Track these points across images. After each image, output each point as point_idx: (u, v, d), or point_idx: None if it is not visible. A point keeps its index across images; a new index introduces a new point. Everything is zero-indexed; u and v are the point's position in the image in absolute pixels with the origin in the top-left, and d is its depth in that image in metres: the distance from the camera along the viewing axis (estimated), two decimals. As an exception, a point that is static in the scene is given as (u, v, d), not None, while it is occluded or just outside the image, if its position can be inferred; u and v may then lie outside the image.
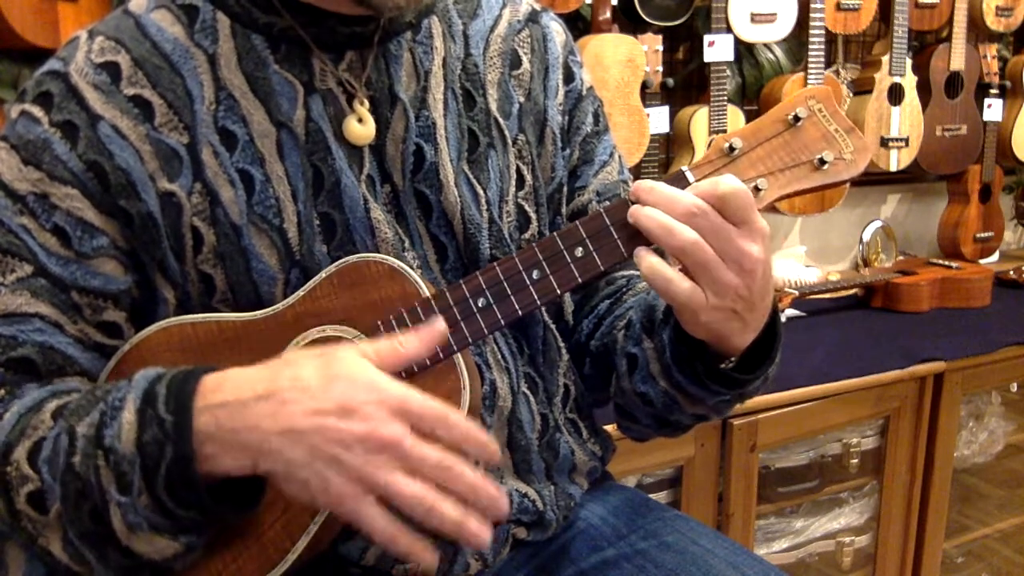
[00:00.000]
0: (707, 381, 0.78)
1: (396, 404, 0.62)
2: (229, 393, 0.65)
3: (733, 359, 0.78)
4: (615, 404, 0.92)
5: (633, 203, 0.71)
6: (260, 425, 0.63)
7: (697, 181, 0.72)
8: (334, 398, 0.62)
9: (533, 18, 0.92)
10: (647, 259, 0.70)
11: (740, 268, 0.68)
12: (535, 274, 0.73)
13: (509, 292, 0.73)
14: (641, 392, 0.84)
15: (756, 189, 0.72)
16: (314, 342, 0.76)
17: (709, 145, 2.15)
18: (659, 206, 0.69)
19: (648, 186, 0.70)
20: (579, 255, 0.72)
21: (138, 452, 0.64)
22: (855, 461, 1.85)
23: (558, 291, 0.73)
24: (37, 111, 0.76)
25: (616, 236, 0.72)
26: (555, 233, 0.73)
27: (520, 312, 0.73)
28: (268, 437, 0.63)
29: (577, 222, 0.73)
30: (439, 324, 0.71)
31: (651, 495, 1.29)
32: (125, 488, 0.65)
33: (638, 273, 0.92)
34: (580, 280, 0.73)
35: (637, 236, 0.72)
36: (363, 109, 0.81)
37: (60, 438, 0.67)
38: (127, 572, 0.69)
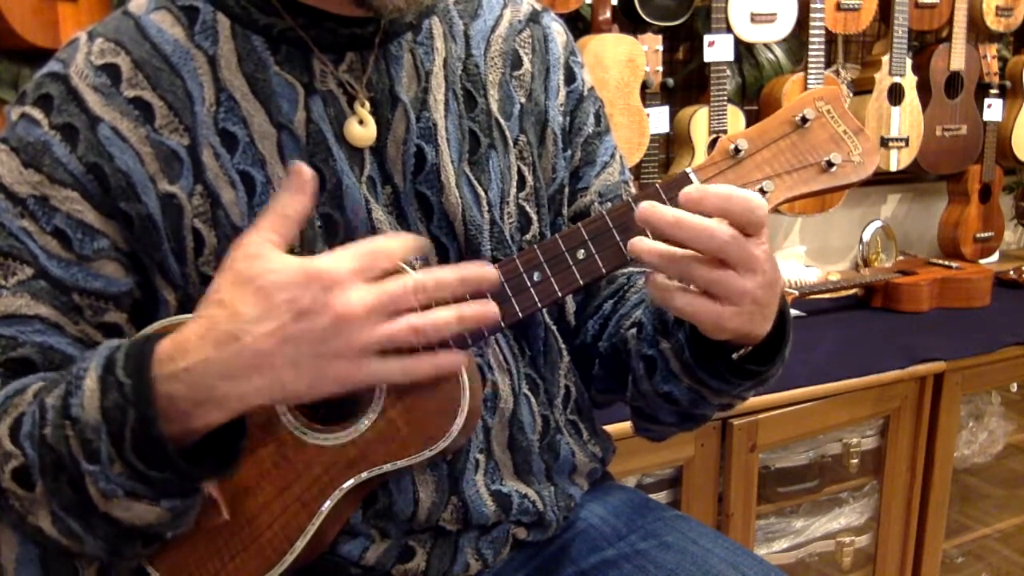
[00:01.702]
0: (730, 376, 0.78)
1: (334, 278, 0.62)
2: (185, 356, 0.64)
3: (749, 347, 0.77)
4: (633, 407, 0.92)
5: (637, 207, 0.70)
6: (231, 370, 0.63)
7: (703, 183, 0.71)
8: (280, 310, 0.62)
9: (534, 18, 0.92)
10: (664, 295, 0.70)
11: (752, 272, 0.67)
12: (536, 276, 0.72)
13: (510, 294, 0.73)
14: (665, 392, 0.83)
15: (762, 191, 0.70)
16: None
17: (709, 145, 2.16)
18: (693, 243, 0.66)
19: (672, 220, 0.66)
20: (581, 257, 0.72)
21: (103, 418, 0.64)
22: (855, 461, 1.85)
23: (559, 293, 0.72)
24: (37, 113, 0.76)
25: (618, 238, 0.71)
26: (557, 235, 0.72)
27: (521, 314, 0.73)
28: (248, 376, 0.63)
29: (579, 224, 0.72)
30: (302, 167, 0.67)
31: (651, 495, 1.29)
32: (93, 455, 0.64)
33: (639, 270, 0.92)
34: (582, 283, 0.72)
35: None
36: (364, 111, 0.81)
37: (34, 413, 0.67)
38: (117, 542, 0.69)
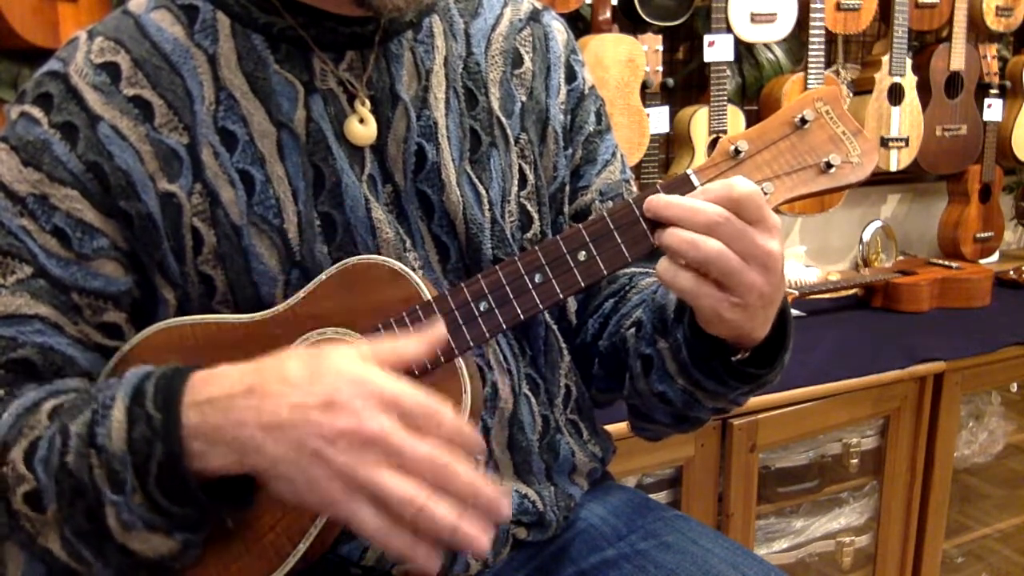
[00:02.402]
0: (726, 378, 0.78)
1: (382, 397, 0.61)
2: (216, 389, 0.64)
3: (748, 351, 0.77)
4: (629, 406, 0.92)
5: (639, 208, 0.70)
6: (244, 420, 0.62)
7: (703, 184, 0.71)
8: (318, 392, 0.61)
9: (534, 17, 0.92)
10: (669, 276, 0.70)
11: (763, 267, 0.67)
12: (537, 278, 0.72)
13: (511, 296, 0.72)
14: (659, 392, 0.83)
15: (762, 193, 0.71)
16: (314, 344, 0.75)
17: (709, 145, 2.15)
18: (681, 222, 0.67)
19: (664, 201, 0.68)
20: (582, 259, 0.72)
21: (128, 450, 0.64)
22: (855, 461, 1.85)
23: (560, 295, 0.72)
24: (37, 112, 0.76)
25: (619, 239, 0.71)
26: (558, 236, 0.72)
27: (522, 316, 0.72)
28: (252, 432, 0.62)
29: (580, 225, 0.72)
30: (439, 327, 0.70)
31: (651, 495, 1.29)
32: (118, 487, 0.64)
33: (640, 270, 0.92)
34: (583, 284, 0.72)
35: (641, 239, 0.71)
36: (364, 110, 0.80)
37: (55, 438, 0.67)
38: (126, 570, 0.69)
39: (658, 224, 0.70)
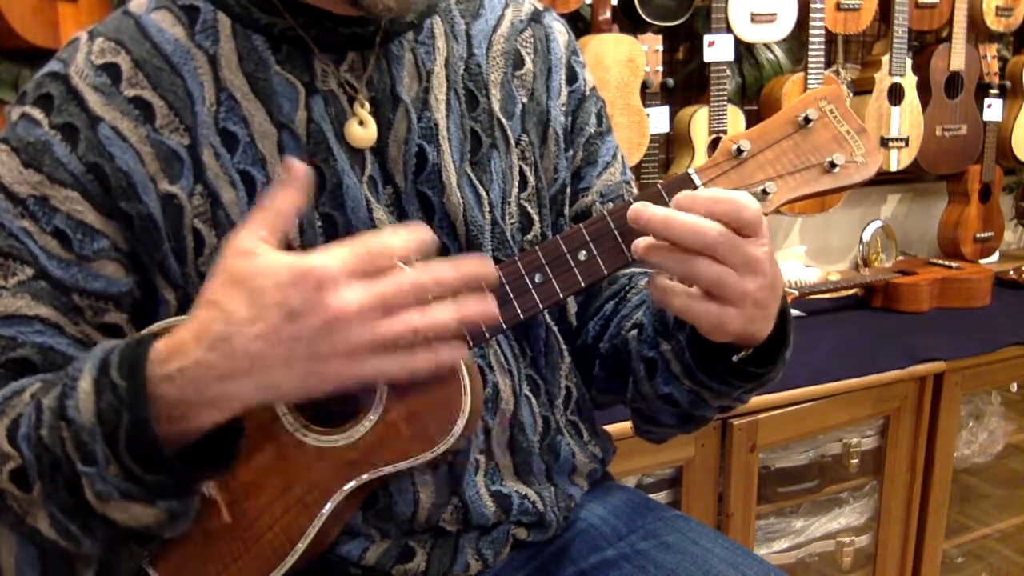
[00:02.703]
0: (729, 378, 0.78)
1: (326, 277, 0.59)
2: (179, 358, 0.63)
3: (750, 349, 0.77)
4: (633, 409, 0.91)
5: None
6: (224, 372, 0.61)
7: (704, 184, 0.71)
8: (270, 312, 0.60)
9: (536, 18, 0.92)
10: (657, 297, 0.70)
11: (753, 273, 0.67)
12: (538, 277, 0.72)
13: (511, 295, 0.72)
14: (665, 394, 0.83)
15: (764, 193, 0.70)
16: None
17: (709, 145, 2.15)
18: (683, 241, 0.66)
19: (661, 219, 0.66)
20: (582, 258, 0.72)
21: (97, 420, 0.63)
22: (855, 461, 1.85)
23: (561, 295, 0.72)
24: (37, 113, 0.76)
25: (620, 239, 0.71)
26: (558, 236, 0.72)
27: (522, 316, 0.72)
28: (241, 378, 0.61)
29: (580, 225, 0.72)
30: (295, 163, 0.65)
31: (651, 495, 1.29)
32: (89, 458, 0.64)
33: (640, 270, 0.92)
34: (583, 284, 0.72)
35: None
36: (364, 112, 0.80)
37: (31, 414, 0.67)
38: (114, 543, 0.68)
39: None
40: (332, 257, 0.60)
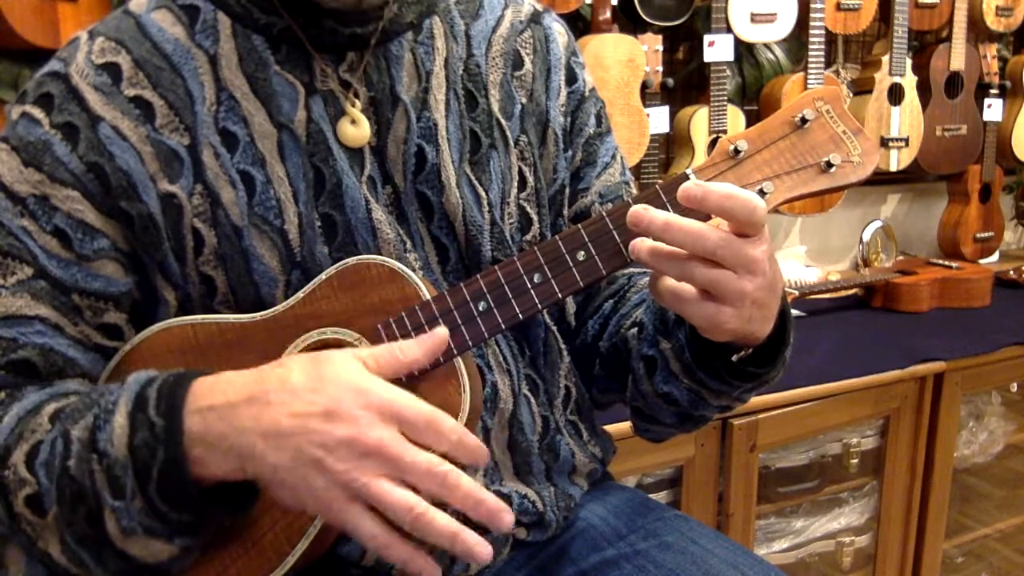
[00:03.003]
0: (729, 378, 0.78)
1: (382, 407, 0.61)
2: (218, 396, 0.64)
3: (750, 349, 0.77)
4: (632, 408, 0.92)
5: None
6: (245, 427, 0.63)
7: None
8: (319, 401, 0.62)
9: (535, 19, 0.92)
10: (665, 294, 0.70)
11: (751, 273, 0.67)
12: (536, 278, 0.72)
13: (510, 296, 0.72)
14: (664, 392, 0.83)
15: (762, 192, 0.70)
16: (314, 344, 0.75)
17: (709, 145, 2.15)
18: (683, 246, 0.66)
19: (661, 223, 0.66)
20: (581, 259, 0.72)
21: (130, 455, 0.64)
22: (855, 461, 1.85)
23: (559, 295, 0.72)
24: (38, 112, 0.76)
25: (619, 240, 0.71)
26: (557, 236, 0.72)
27: (521, 316, 0.72)
28: (253, 440, 0.62)
29: (579, 225, 0.72)
30: (441, 331, 0.70)
31: (651, 495, 1.29)
32: (119, 492, 0.64)
33: (639, 270, 0.92)
34: (582, 284, 0.72)
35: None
36: (355, 111, 0.80)
37: (56, 442, 0.67)
38: (124, 575, 0.69)
39: None
40: (399, 392, 0.62)
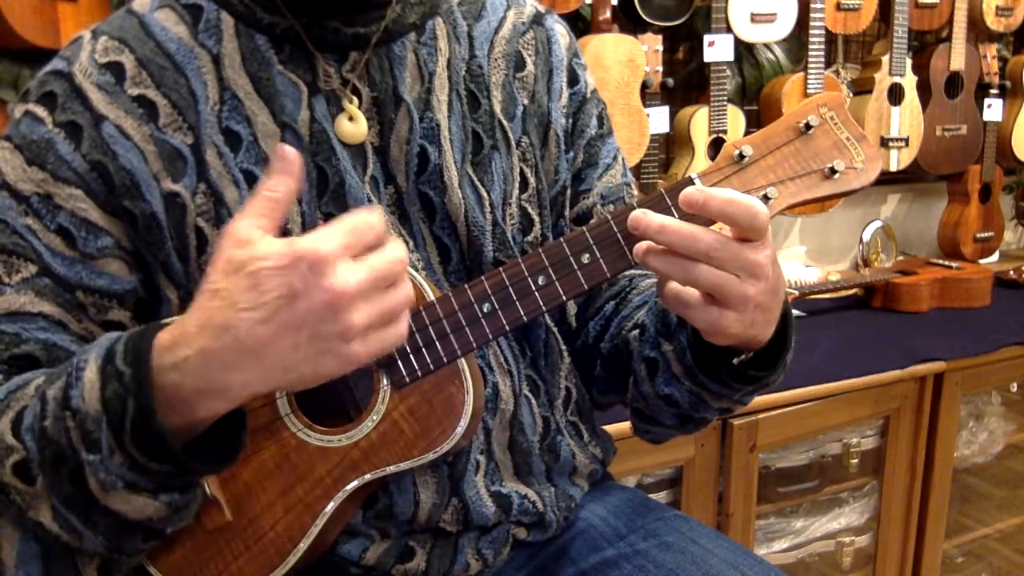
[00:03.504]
0: (730, 381, 0.78)
1: (322, 259, 0.59)
2: (184, 347, 0.62)
3: (751, 352, 0.77)
4: (633, 409, 0.92)
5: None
6: (231, 361, 0.61)
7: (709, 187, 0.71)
8: (271, 297, 0.59)
9: (537, 20, 0.92)
10: (669, 297, 0.70)
11: (754, 277, 0.67)
12: (541, 280, 0.72)
13: (514, 298, 0.73)
14: (666, 394, 0.83)
15: (766, 198, 0.70)
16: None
17: (709, 145, 2.15)
18: (678, 248, 0.66)
19: (657, 226, 0.66)
20: (585, 261, 0.72)
21: (103, 409, 0.63)
22: (855, 461, 1.85)
23: (563, 298, 0.72)
24: (41, 111, 0.76)
25: (623, 243, 0.71)
26: (561, 239, 0.72)
27: (525, 318, 0.73)
28: (248, 365, 0.61)
29: (584, 228, 0.72)
30: (286, 149, 0.65)
31: (651, 495, 1.29)
32: (93, 446, 0.64)
33: (641, 272, 0.92)
34: (586, 287, 0.72)
35: None
36: (352, 107, 0.80)
37: (35, 405, 0.67)
38: (116, 536, 0.68)
39: None
40: (325, 239, 0.60)
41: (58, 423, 0.65)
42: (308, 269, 0.59)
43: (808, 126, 0.72)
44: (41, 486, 0.67)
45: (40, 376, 0.71)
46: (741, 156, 0.71)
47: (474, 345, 0.73)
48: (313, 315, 0.60)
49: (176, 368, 0.62)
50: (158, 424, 0.63)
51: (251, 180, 0.77)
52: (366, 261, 0.61)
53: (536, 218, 0.88)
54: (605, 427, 1.00)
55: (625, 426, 0.97)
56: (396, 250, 0.62)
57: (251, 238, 0.61)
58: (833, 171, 0.71)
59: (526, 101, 0.89)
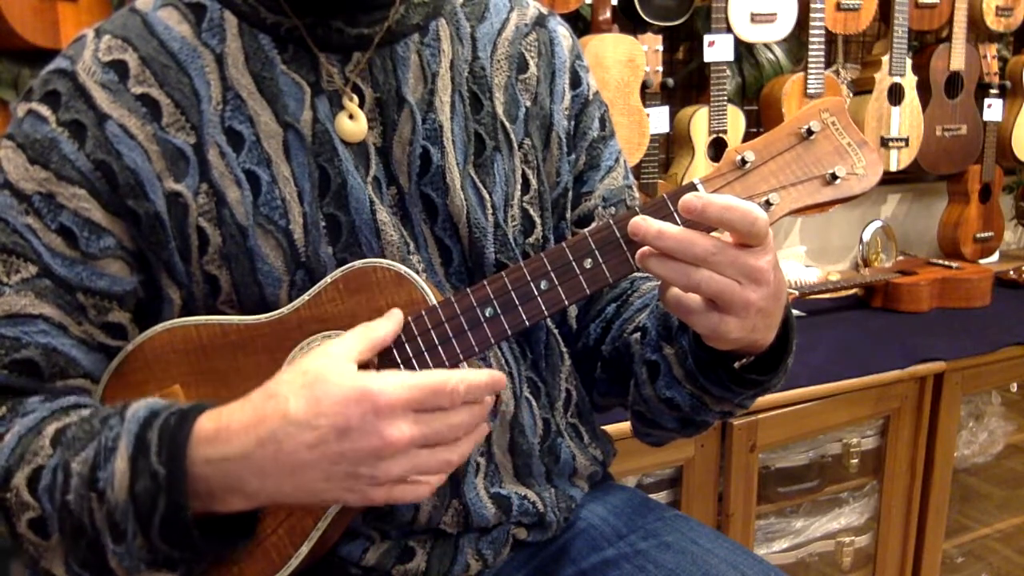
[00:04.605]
0: (731, 384, 0.78)
1: (388, 406, 0.62)
2: (224, 445, 0.64)
3: (753, 356, 0.77)
4: (634, 412, 0.91)
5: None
6: (266, 470, 0.63)
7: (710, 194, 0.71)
8: (326, 424, 0.62)
9: (540, 22, 0.92)
10: (670, 303, 0.71)
11: (756, 283, 0.67)
12: (543, 284, 0.72)
13: (517, 302, 0.72)
14: (667, 397, 0.83)
15: (768, 204, 0.70)
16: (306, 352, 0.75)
17: (709, 145, 2.15)
18: (675, 253, 0.67)
19: (655, 231, 0.67)
20: (588, 266, 0.72)
21: (131, 501, 0.64)
22: (855, 461, 1.85)
23: (566, 302, 0.72)
24: (44, 110, 0.76)
25: (625, 248, 0.71)
26: (563, 243, 0.72)
27: (527, 323, 0.72)
28: (282, 479, 0.64)
29: (586, 232, 0.72)
30: (397, 314, 0.72)
31: (651, 495, 1.29)
32: (119, 537, 0.65)
33: (642, 275, 0.92)
34: (588, 292, 0.72)
35: None
36: (353, 105, 0.80)
37: (57, 471, 0.67)
38: None
39: None
40: (398, 386, 0.63)
41: (82, 501, 0.66)
42: (370, 409, 0.62)
43: (810, 131, 0.72)
44: (56, 542, 0.67)
45: (48, 418, 0.71)
46: (743, 162, 0.71)
47: (476, 349, 0.73)
48: (356, 454, 0.62)
49: (210, 463, 0.64)
50: (187, 520, 0.64)
51: (253, 180, 0.77)
52: (429, 421, 0.64)
53: (538, 220, 0.88)
54: (605, 428, 1.00)
55: (625, 426, 0.97)
56: (462, 416, 0.65)
57: (334, 360, 0.65)
58: (834, 177, 0.71)
59: (528, 103, 0.89)
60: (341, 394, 0.62)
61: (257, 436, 0.63)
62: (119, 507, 0.64)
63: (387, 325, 0.71)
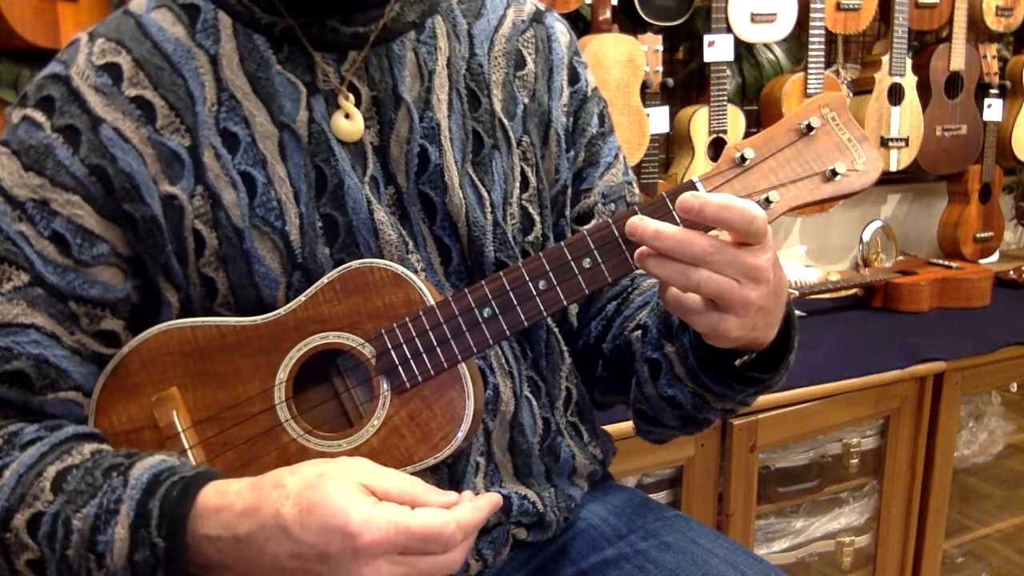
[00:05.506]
0: (732, 383, 0.78)
1: (367, 546, 0.62)
2: (225, 526, 0.65)
3: (754, 353, 0.77)
4: (636, 410, 0.91)
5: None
6: (251, 559, 0.64)
7: (709, 192, 0.70)
8: (309, 541, 0.62)
9: (537, 18, 0.91)
10: (670, 303, 0.70)
11: (755, 281, 0.67)
12: (542, 284, 0.72)
13: (515, 303, 0.72)
14: (669, 396, 0.83)
15: (767, 201, 0.70)
16: (316, 349, 0.75)
17: (709, 145, 2.14)
18: (673, 253, 0.66)
19: (652, 232, 0.66)
20: (587, 266, 0.71)
21: (129, 569, 0.65)
22: (855, 461, 1.85)
23: (564, 302, 0.72)
24: (39, 116, 0.75)
25: (624, 248, 0.70)
26: (562, 243, 0.72)
27: (526, 323, 0.72)
28: (261, 569, 0.65)
29: (584, 231, 0.72)
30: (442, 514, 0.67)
31: (651, 495, 1.29)
32: None
33: (642, 272, 0.92)
34: (587, 292, 0.72)
35: None
36: (349, 104, 0.80)
37: (57, 523, 0.68)
38: None
39: None
40: (384, 527, 0.62)
41: (81, 560, 0.67)
42: (350, 546, 0.62)
43: (810, 127, 0.71)
44: None
45: (48, 454, 0.71)
46: (743, 159, 0.70)
47: (475, 350, 0.73)
48: None
49: (209, 539, 0.65)
50: None
51: (249, 182, 0.77)
52: (414, 563, 0.63)
53: (537, 218, 0.88)
54: (605, 427, 1.00)
55: (625, 426, 0.97)
56: (451, 556, 0.65)
57: (345, 477, 0.64)
58: (835, 173, 0.70)
59: (526, 100, 0.88)
60: (325, 519, 0.62)
61: (249, 528, 0.64)
62: (117, 573, 0.66)
63: (430, 495, 0.68)
